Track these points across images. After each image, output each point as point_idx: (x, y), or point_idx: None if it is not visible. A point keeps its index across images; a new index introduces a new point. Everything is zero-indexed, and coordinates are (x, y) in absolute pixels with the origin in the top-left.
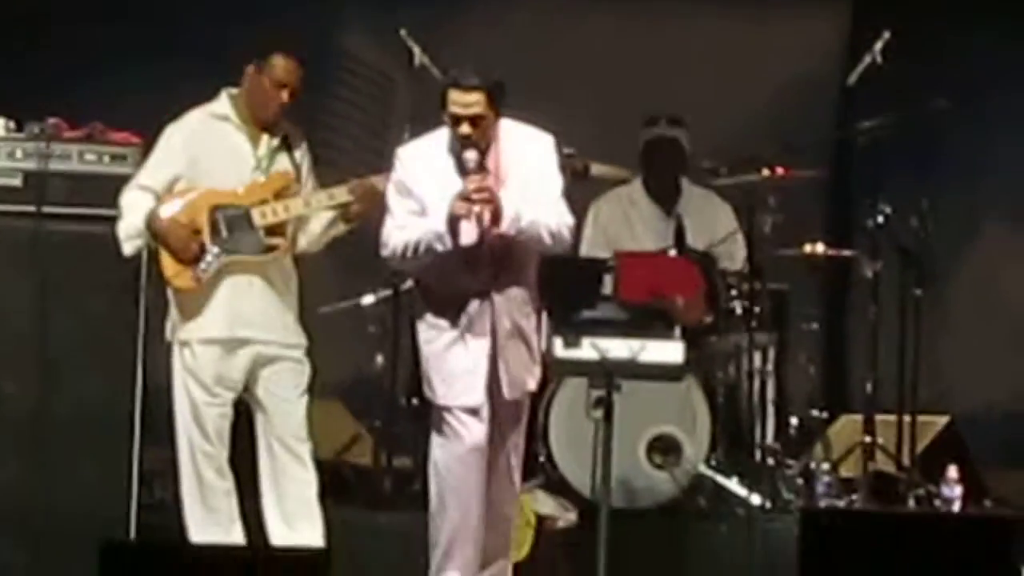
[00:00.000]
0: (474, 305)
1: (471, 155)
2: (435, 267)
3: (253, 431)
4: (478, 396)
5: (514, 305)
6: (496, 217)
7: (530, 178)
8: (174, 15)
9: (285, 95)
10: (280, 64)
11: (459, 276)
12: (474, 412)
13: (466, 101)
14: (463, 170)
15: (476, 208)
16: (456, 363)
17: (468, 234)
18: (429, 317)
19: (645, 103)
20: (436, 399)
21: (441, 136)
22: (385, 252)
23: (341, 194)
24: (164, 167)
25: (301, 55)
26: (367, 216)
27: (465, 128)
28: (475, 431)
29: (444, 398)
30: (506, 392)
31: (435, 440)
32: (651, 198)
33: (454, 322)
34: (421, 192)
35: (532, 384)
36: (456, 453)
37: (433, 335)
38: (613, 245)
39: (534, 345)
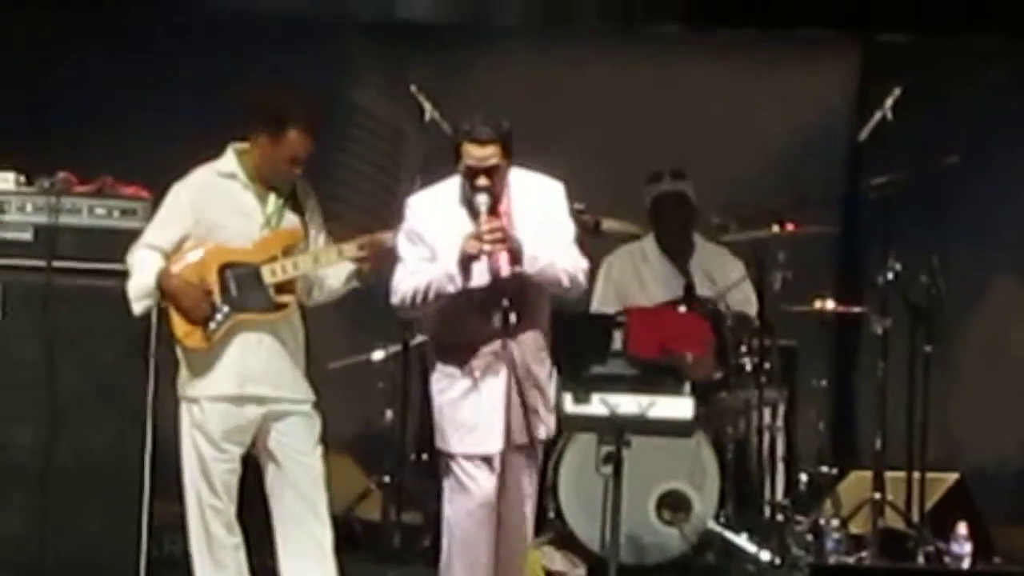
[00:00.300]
0: (489, 352)
1: (483, 198)
2: (449, 313)
3: (262, 486)
4: (495, 444)
5: (528, 351)
6: (516, 256)
7: (544, 223)
8: (183, 66)
9: (298, 170)
10: (295, 141)
11: (473, 322)
12: (488, 462)
13: (482, 154)
14: (475, 214)
15: (488, 247)
16: (472, 411)
17: (480, 275)
18: (442, 366)
19: (653, 157)
20: (450, 448)
21: (452, 185)
22: (395, 300)
23: (350, 250)
24: (172, 226)
25: (314, 128)
26: (378, 272)
27: (482, 180)
28: (485, 484)
29: (459, 446)
30: (519, 438)
31: (446, 494)
32: (663, 253)
33: (469, 370)
34: (432, 239)
35: (545, 432)
36: (466, 507)
37: (447, 384)
38: (624, 301)
39: (548, 393)
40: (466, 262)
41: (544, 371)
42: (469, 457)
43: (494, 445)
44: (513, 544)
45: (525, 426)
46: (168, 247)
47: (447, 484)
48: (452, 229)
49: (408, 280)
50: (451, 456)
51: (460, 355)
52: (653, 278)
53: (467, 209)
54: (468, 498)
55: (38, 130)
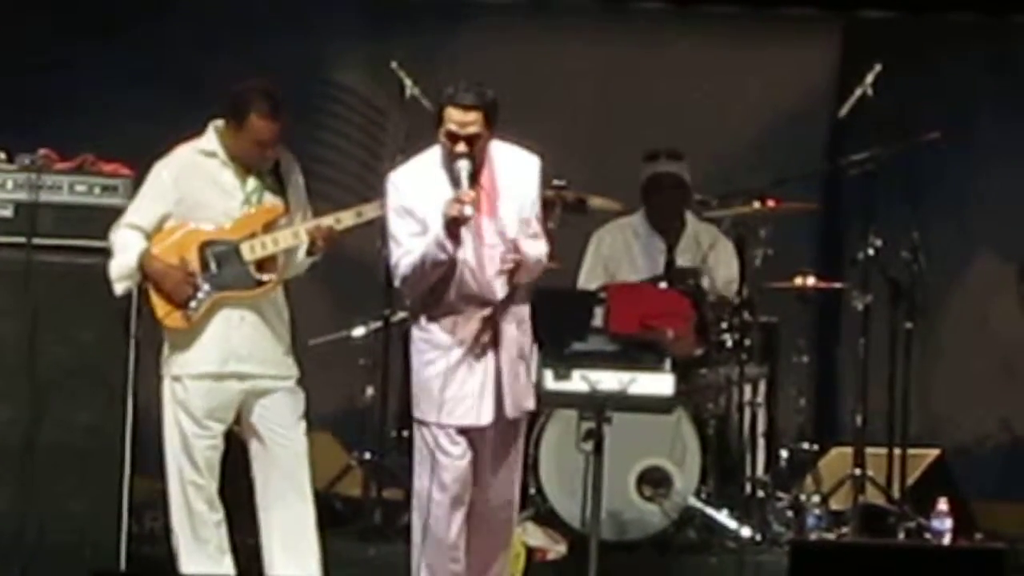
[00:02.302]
0: (479, 324)
1: (463, 164)
2: (439, 284)
3: (245, 462)
4: (486, 416)
5: (515, 323)
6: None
7: (524, 202)
8: (166, 46)
9: (268, 152)
10: (256, 125)
11: (464, 295)
12: (466, 436)
13: (464, 120)
14: (455, 182)
15: (468, 211)
16: (461, 383)
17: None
18: (428, 336)
19: (635, 134)
20: (433, 419)
21: (433, 155)
22: (397, 281)
23: (329, 222)
24: (154, 205)
25: (276, 111)
26: (327, 250)
27: (461, 146)
28: (460, 460)
29: (446, 418)
30: (509, 411)
31: (417, 467)
32: (653, 231)
33: (459, 342)
34: (423, 212)
35: (532, 403)
36: (440, 480)
37: (435, 355)
38: (612, 276)
39: (532, 365)
40: (452, 227)
41: (528, 343)
42: (447, 429)
43: (485, 417)
44: (501, 517)
45: (517, 398)
46: (149, 227)
47: (418, 456)
48: (439, 199)
49: (405, 259)
50: (425, 425)
51: (449, 326)
52: (643, 254)
53: (449, 177)
54: (442, 471)
55: (18, 108)
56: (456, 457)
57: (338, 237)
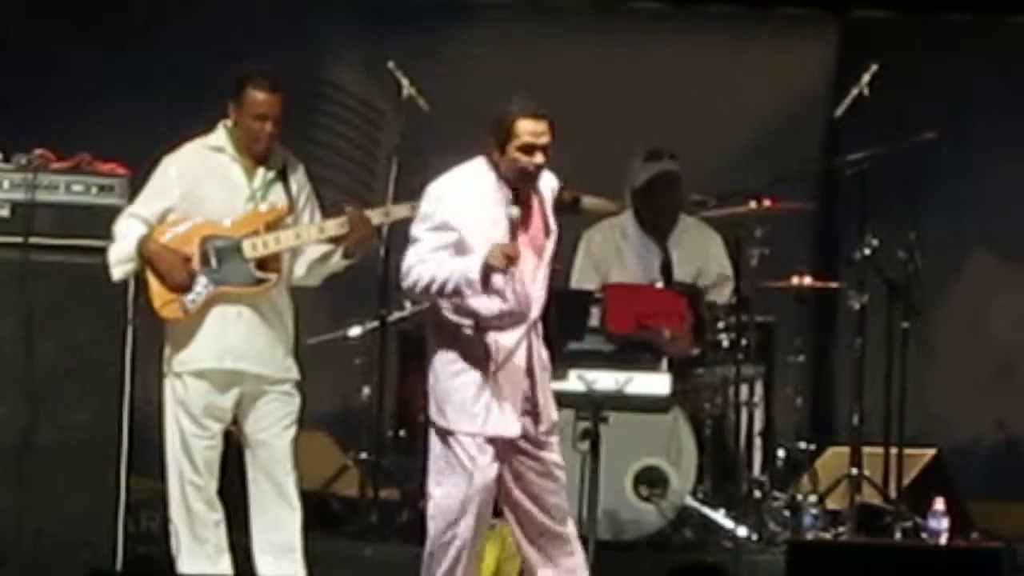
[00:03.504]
0: (516, 338)
1: (514, 211)
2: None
3: (242, 463)
4: (516, 427)
5: (538, 336)
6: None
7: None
8: (164, 46)
9: (268, 126)
10: (254, 98)
11: (505, 310)
12: (494, 446)
13: (538, 129)
14: (512, 228)
15: (512, 269)
16: (493, 393)
17: (499, 282)
18: (466, 347)
19: (631, 133)
20: (459, 427)
21: (476, 170)
22: (407, 282)
23: (332, 227)
24: (158, 198)
25: (274, 85)
26: (364, 248)
27: (539, 157)
28: (488, 469)
29: (474, 427)
30: (544, 424)
31: (437, 476)
32: (643, 230)
33: (495, 354)
34: (460, 226)
35: (556, 415)
36: (464, 491)
37: (468, 365)
38: (603, 276)
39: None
40: (488, 273)
41: (547, 355)
42: (477, 439)
43: (515, 428)
44: (558, 529)
45: (549, 411)
46: (152, 218)
47: (440, 464)
48: (480, 216)
49: (426, 268)
50: (451, 434)
51: (487, 338)
52: (632, 254)
53: (495, 196)
54: (467, 481)
55: (16, 108)
56: (484, 467)
57: (372, 228)
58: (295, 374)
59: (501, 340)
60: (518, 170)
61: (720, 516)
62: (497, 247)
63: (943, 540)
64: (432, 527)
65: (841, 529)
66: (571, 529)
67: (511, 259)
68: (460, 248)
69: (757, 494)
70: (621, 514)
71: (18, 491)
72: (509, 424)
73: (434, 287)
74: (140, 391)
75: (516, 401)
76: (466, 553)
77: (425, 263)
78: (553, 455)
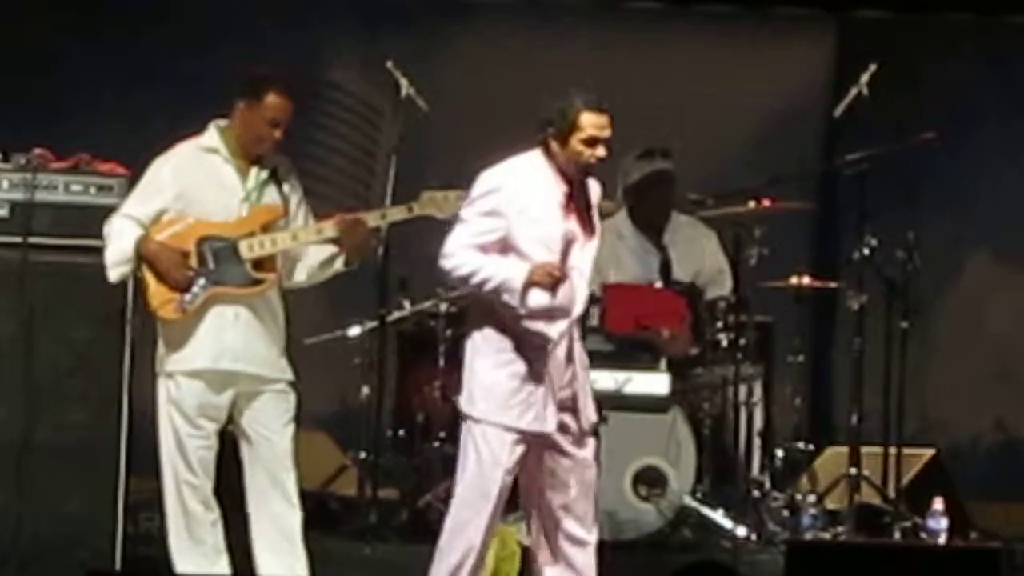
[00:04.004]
0: (559, 334)
1: (573, 229)
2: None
3: (239, 462)
4: (552, 424)
5: (577, 333)
6: None
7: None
8: (162, 46)
9: (278, 133)
10: (274, 103)
11: (555, 305)
12: (525, 442)
13: (602, 123)
14: (566, 244)
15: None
16: (533, 390)
17: (538, 299)
18: (511, 340)
19: (631, 133)
20: (500, 420)
21: (531, 162)
22: (447, 264)
23: (329, 229)
24: (151, 199)
25: (290, 92)
26: (362, 254)
27: (601, 151)
28: (513, 466)
29: (514, 421)
30: (584, 423)
31: (468, 463)
32: (638, 229)
33: (541, 349)
34: (512, 217)
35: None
36: (493, 478)
37: (512, 357)
38: (602, 277)
39: None
40: (530, 286)
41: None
42: (511, 432)
43: (550, 425)
44: (582, 532)
45: (588, 411)
46: (146, 219)
47: (469, 454)
48: (531, 209)
49: (471, 257)
50: (479, 424)
51: (534, 332)
52: (629, 254)
53: (548, 191)
54: (487, 477)
55: (15, 107)
56: (506, 465)
57: (366, 233)
58: (289, 374)
59: (547, 334)
60: (579, 163)
61: (719, 516)
62: (544, 267)
63: (942, 540)
64: (448, 520)
65: (840, 529)
66: (594, 538)
67: (557, 280)
68: (506, 239)
69: (756, 494)
70: (620, 514)
71: (16, 491)
72: (546, 420)
73: (474, 279)
74: (139, 391)
75: (555, 397)
76: (476, 548)
77: (470, 250)
78: (589, 455)
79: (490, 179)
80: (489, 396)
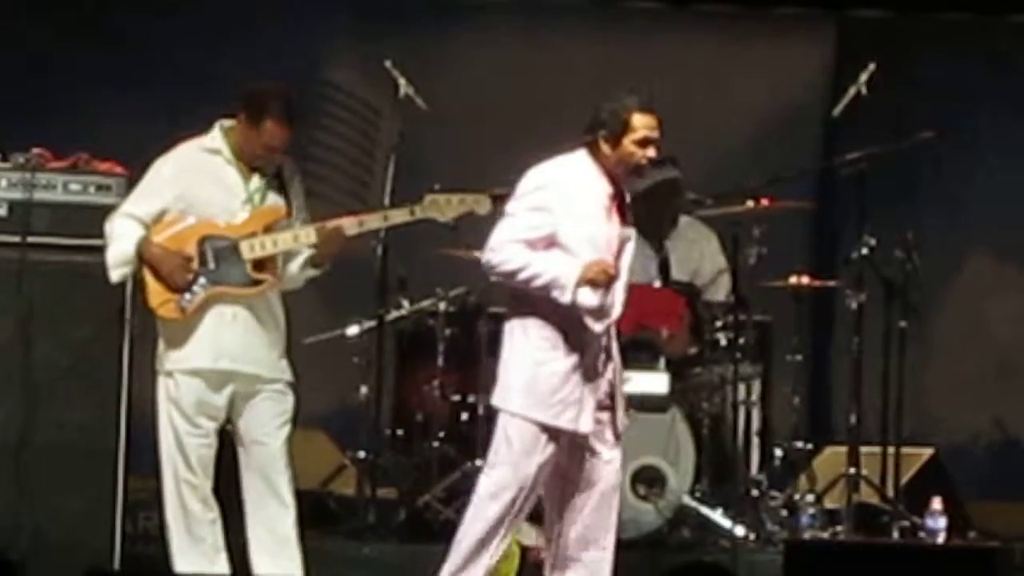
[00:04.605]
0: (599, 335)
1: (629, 234)
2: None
3: (238, 461)
4: (589, 424)
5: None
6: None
7: None
8: (161, 46)
9: (277, 157)
10: (271, 130)
11: (599, 304)
12: (556, 441)
13: (654, 124)
14: (621, 246)
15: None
16: (573, 389)
17: (587, 297)
18: (557, 337)
19: None
20: (539, 417)
21: (579, 162)
22: (493, 258)
23: (312, 234)
24: (153, 198)
25: (291, 113)
26: (334, 257)
27: (652, 151)
28: (543, 463)
29: (553, 420)
30: (619, 426)
31: (499, 458)
32: (639, 232)
33: (582, 349)
34: (560, 214)
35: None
36: (526, 473)
37: (556, 356)
38: None
39: None
40: (582, 284)
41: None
42: (549, 430)
43: (587, 425)
44: (603, 538)
45: (621, 415)
46: (147, 218)
47: (496, 448)
48: (579, 207)
49: (520, 253)
50: (514, 418)
51: (577, 331)
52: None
53: (593, 191)
54: (512, 471)
55: (13, 107)
56: (549, 458)
57: (344, 242)
58: (288, 375)
59: (589, 332)
60: (631, 164)
61: (718, 515)
62: (598, 265)
63: (940, 539)
64: (470, 510)
65: (838, 528)
66: (612, 540)
67: (611, 278)
68: (552, 236)
69: (755, 493)
70: (619, 513)
71: (16, 490)
72: (583, 420)
73: (522, 275)
74: (138, 390)
75: (594, 397)
76: (495, 541)
77: (517, 245)
78: (618, 457)
79: (540, 175)
80: (528, 392)
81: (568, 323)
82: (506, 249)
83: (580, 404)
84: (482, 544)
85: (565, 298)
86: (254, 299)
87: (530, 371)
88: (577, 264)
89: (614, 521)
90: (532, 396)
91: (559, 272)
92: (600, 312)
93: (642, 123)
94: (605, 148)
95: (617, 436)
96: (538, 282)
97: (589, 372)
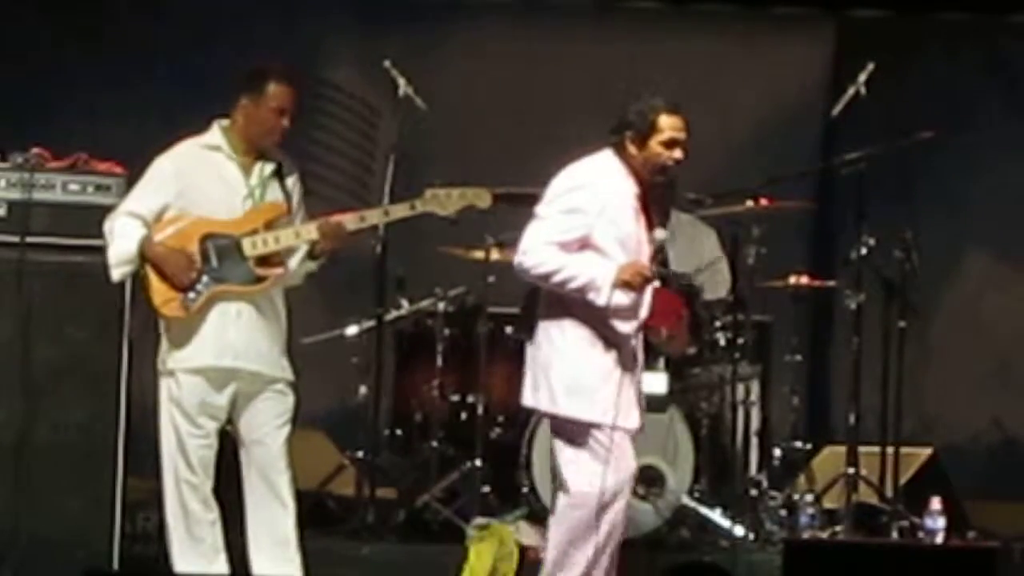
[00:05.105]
0: (633, 334)
1: (663, 234)
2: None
3: (238, 462)
4: (637, 420)
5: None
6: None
7: None
8: (159, 46)
9: (286, 120)
10: (277, 91)
11: (626, 309)
12: (607, 435)
13: (681, 125)
14: (656, 250)
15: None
16: (626, 388)
17: (620, 298)
18: (590, 334)
19: None
20: (610, 420)
21: (609, 163)
22: (527, 261)
23: (313, 231)
24: (154, 196)
25: (293, 80)
26: (334, 252)
27: (679, 152)
28: (632, 460)
29: (622, 421)
30: (641, 422)
31: (584, 468)
32: None
33: (624, 349)
34: (595, 221)
35: None
36: (618, 480)
37: (595, 355)
38: None
39: None
40: (618, 286)
41: None
42: (619, 431)
43: (635, 420)
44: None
45: (642, 408)
46: (149, 216)
47: (574, 455)
48: (612, 210)
49: (554, 256)
50: (578, 424)
51: (619, 332)
52: None
53: (624, 192)
54: (614, 472)
55: (12, 107)
56: (626, 458)
57: (345, 237)
58: (289, 374)
59: (623, 331)
60: (657, 165)
61: (717, 515)
62: (634, 267)
63: (939, 539)
64: (575, 517)
65: (837, 528)
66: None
67: (646, 280)
68: (585, 237)
69: (754, 493)
70: None
71: (14, 490)
72: (631, 416)
73: (556, 277)
74: (137, 390)
75: (634, 393)
76: (613, 542)
77: (551, 247)
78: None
79: (573, 177)
80: (579, 393)
81: (602, 324)
82: (540, 252)
83: (627, 400)
84: (600, 552)
85: (600, 300)
86: (257, 296)
87: (578, 371)
88: (612, 266)
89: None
90: (583, 397)
91: (595, 274)
92: (630, 313)
93: (669, 124)
94: (632, 149)
95: (640, 431)
96: (573, 284)
97: (627, 368)
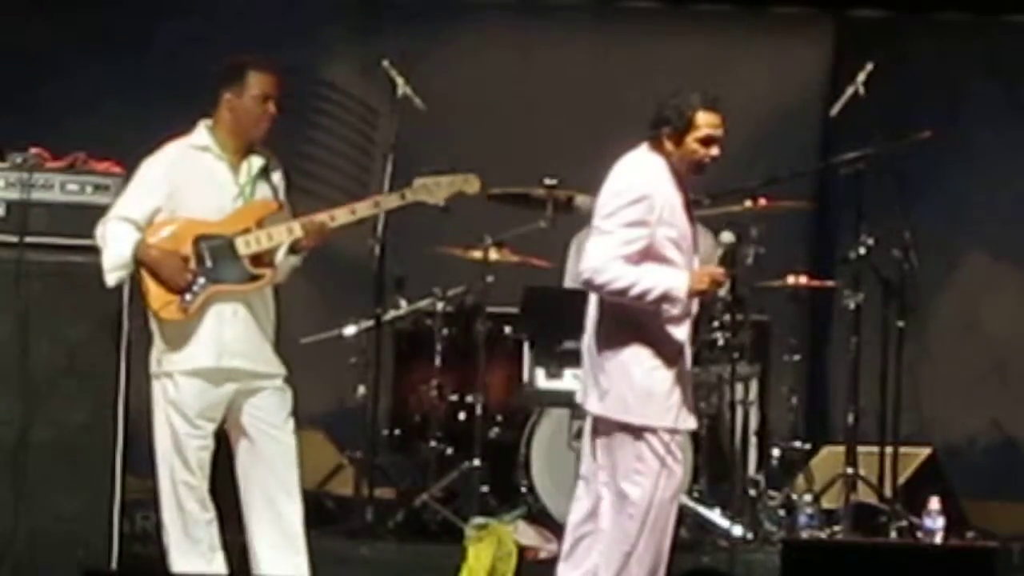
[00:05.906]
0: (685, 335)
1: (728, 237)
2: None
3: (233, 461)
4: (694, 421)
5: None
6: None
7: None
8: (158, 46)
9: (271, 106)
10: (257, 78)
11: (679, 315)
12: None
13: (718, 122)
14: (723, 258)
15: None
16: (682, 390)
17: (693, 305)
18: (659, 344)
19: (627, 132)
20: (669, 424)
21: (653, 162)
22: (599, 279)
23: (322, 218)
24: (144, 199)
25: (273, 67)
26: (313, 249)
27: (715, 149)
28: (682, 461)
29: (681, 423)
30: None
31: (648, 472)
32: None
33: (678, 351)
34: (656, 228)
35: None
36: (674, 486)
37: (661, 362)
38: None
39: None
40: (695, 294)
41: None
42: (676, 435)
43: (694, 421)
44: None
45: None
46: (141, 220)
47: (634, 464)
48: (666, 213)
49: (626, 271)
50: (644, 431)
51: (674, 335)
52: None
53: (672, 191)
54: (672, 477)
55: (10, 106)
56: (686, 460)
57: (328, 234)
58: (284, 370)
59: (677, 334)
60: (694, 162)
61: (715, 515)
62: (710, 274)
63: (938, 539)
64: (632, 527)
65: (836, 528)
66: None
67: (719, 285)
68: (647, 248)
69: (752, 493)
70: None
71: (13, 490)
72: (691, 418)
73: (632, 291)
74: (135, 390)
75: (691, 394)
76: (666, 550)
77: (619, 262)
78: None
79: (632, 187)
80: (650, 400)
81: (662, 331)
82: (611, 268)
83: (687, 402)
84: (658, 561)
85: (677, 309)
86: (252, 295)
87: (647, 379)
88: (684, 275)
89: None
90: (653, 404)
91: (670, 284)
92: (683, 319)
93: (706, 121)
94: (668, 145)
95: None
96: (651, 296)
97: (684, 370)
